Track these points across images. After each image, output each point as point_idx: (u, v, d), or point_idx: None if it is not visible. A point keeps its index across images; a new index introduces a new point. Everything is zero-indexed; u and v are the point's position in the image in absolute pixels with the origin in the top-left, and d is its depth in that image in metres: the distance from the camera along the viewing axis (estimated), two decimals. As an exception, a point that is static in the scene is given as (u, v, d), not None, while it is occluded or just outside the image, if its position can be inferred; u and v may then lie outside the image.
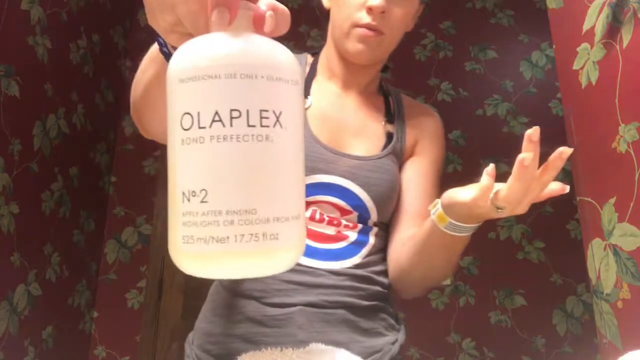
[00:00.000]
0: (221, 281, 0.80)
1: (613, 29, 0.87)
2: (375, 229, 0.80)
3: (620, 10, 0.84)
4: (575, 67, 1.01)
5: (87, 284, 2.20)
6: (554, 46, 1.15)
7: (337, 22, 0.79)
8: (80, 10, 2.08)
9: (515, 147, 2.42)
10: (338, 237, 0.76)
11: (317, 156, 0.76)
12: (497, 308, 2.23)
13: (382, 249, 0.81)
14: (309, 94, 0.81)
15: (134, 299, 2.28)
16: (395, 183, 0.80)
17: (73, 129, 2.06)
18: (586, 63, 0.97)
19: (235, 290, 0.76)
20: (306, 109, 0.79)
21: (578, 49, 1.00)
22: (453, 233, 0.67)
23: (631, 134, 0.81)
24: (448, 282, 2.26)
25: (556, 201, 2.78)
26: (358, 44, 0.76)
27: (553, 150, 0.58)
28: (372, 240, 0.79)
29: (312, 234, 0.75)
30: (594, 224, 0.93)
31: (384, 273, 0.81)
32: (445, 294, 2.25)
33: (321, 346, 0.85)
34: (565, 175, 2.36)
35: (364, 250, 0.78)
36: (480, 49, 2.62)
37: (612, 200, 0.87)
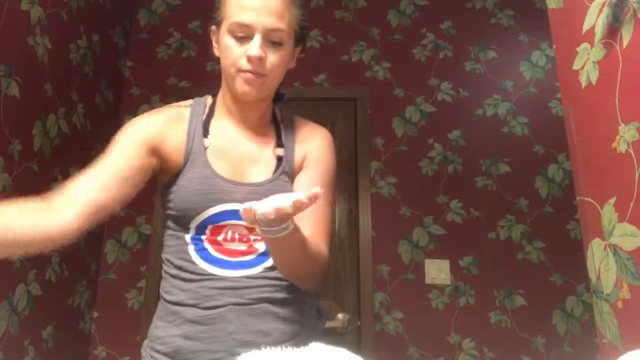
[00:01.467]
0: (163, 296, 0.96)
1: (613, 29, 0.87)
2: None
3: (620, 10, 0.84)
4: (575, 67, 1.01)
5: (87, 284, 2.20)
6: (554, 46, 1.15)
7: (225, 68, 0.94)
8: (80, 10, 2.08)
9: (515, 147, 2.44)
10: (249, 251, 0.92)
11: (219, 189, 0.91)
12: (497, 308, 2.23)
13: None
14: (207, 134, 0.96)
15: (134, 299, 2.28)
16: (286, 190, 0.93)
17: (73, 129, 2.06)
18: (586, 63, 0.97)
19: (175, 301, 0.92)
20: (205, 148, 0.94)
21: (578, 49, 1.00)
22: (266, 236, 0.78)
23: (631, 134, 0.81)
24: (448, 282, 2.26)
25: (556, 201, 2.77)
26: (245, 86, 0.90)
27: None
28: None
29: (227, 252, 0.92)
30: (594, 224, 0.93)
31: None
32: (445, 294, 2.25)
33: (321, 345, 0.87)
34: (565, 175, 2.37)
35: None
36: (480, 49, 2.62)
37: (612, 200, 0.87)
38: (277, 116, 1.04)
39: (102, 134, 2.35)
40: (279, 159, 0.97)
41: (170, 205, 0.94)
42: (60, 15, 1.92)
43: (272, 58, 0.90)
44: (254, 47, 0.88)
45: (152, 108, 2.68)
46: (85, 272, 2.20)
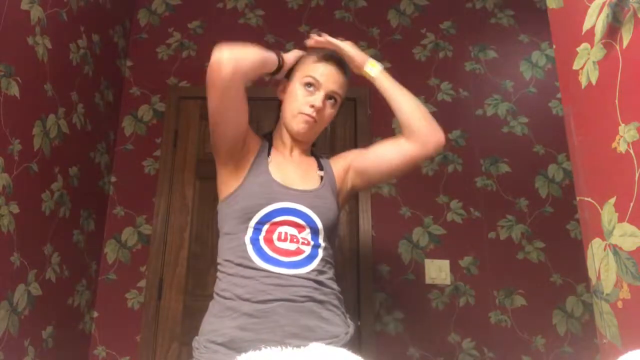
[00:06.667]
0: (220, 294, 1.11)
1: (613, 29, 0.87)
2: (323, 244, 1.15)
3: (620, 10, 0.84)
4: (575, 67, 1.01)
5: (87, 284, 2.20)
6: (554, 46, 1.15)
7: (288, 108, 1.23)
8: (80, 10, 2.08)
9: (515, 147, 2.45)
10: (297, 252, 1.10)
11: (275, 190, 1.14)
12: (497, 308, 2.23)
13: (328, 262, 1.16)
14: (269, 154, 1.23)
15: (134, 299, 2.28)
16: (327, 198, 1.19)
17: (73, 129, 2.06)
18: (586, 63, 0.97)
19: (232, 296, 1.07)
20: (268, 163, 1.20)
21: (578, 49, 1.00)
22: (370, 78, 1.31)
23: (631, 134, 0.81)
24: (448, 282, 2.26)
25: (556, 201, 2.77)
26: (302, 124, 1.20)
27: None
28: (320, 254, 1.14)
29: (279, 251, 1.09)
30: (594, 224, 0.93)
31: (332, 279, 1.16)
32: (445, 294, 2.25)
33: (321, 345, 0.88)
34: (565, 175, 2.37)
35: (316, 261, 1.12)
36: (480, 49, 2.62)
37: (612, 200, 0.87)
38: (315, 153, 1.35)
39: (102, 134, 2.36)
40: (321, 177, 1.24)
41: (236, 206, 1.14)
42: (60, 15, 1.93)
43: (327, 111, 1.23)
44: (318, 99, 1.19)
45: (152, 108, 2.70)
46: (85, 272, 2.20)
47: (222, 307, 1.07)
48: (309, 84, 1.21)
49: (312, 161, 1.29)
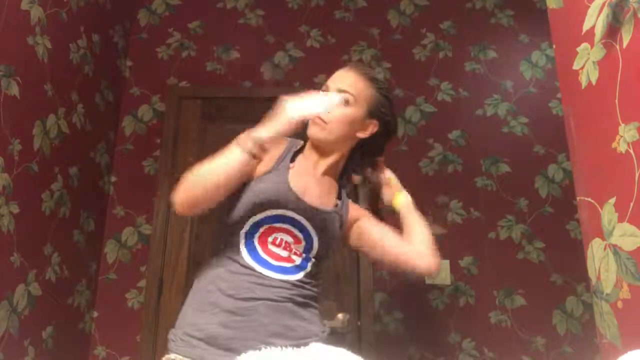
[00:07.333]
0: (201, 284, 1.12)
1: (613, 29, 0.87)
2: (313, 260, 1.16)
3: (620, 10, 0.84)
4: (575, 67, 1.01)
5: (87, 284, 2.20)
6: (554, 46, 1.15)
7: None
8: (80, 10, 2.08)
9: (515, 147, 2.45)
10: (288, 259, 1.12)
11: (288, 197, 1.12)
12: (497, 308, 2.23)
13: (314, 275, 1.17)
14: (294, 160, 1.21)
15: (134, 299, 2.28)
16: (333, 226, 1.19)
17: (73, 129, 2.06)
18: (586, 63, 0.97)
19: (215, 290, 1.07)
20: (289, 169, 1.17)
21: (578, 49, 1.00)
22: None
23: (631, 134, 0.81)
24: (448, 282, 2.26)
25: (556, 201, 2.76)
26: (311, 127, 1.19)
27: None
28: (309, 267, 1.15)
29: (271, 254, 1.10)
30: (594, 224, 0.93)
31: (316, 286, 1.17)
32: (445, 294, 2.25)
33: (321, 346, 0.89)
34: (565, 175, 2.37)
35: (303, 272, 1.13)
36: (480, 49, 2.62)
37: (612, 200, 0.87)
38: (341, 185, 1.31)
39: (102, 134, 2.36)
40: (335, 205, 1.23)
41: (247, 199, 1.11)
42: (60, 15, 1.92)
43: (336, 112, 1.17)
44: None
45: (152, 108, 2.70)
46: (85, 272, 2.20)
47: (204, 300, 1.08)
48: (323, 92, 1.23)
49: (334, 185, 1.26)
